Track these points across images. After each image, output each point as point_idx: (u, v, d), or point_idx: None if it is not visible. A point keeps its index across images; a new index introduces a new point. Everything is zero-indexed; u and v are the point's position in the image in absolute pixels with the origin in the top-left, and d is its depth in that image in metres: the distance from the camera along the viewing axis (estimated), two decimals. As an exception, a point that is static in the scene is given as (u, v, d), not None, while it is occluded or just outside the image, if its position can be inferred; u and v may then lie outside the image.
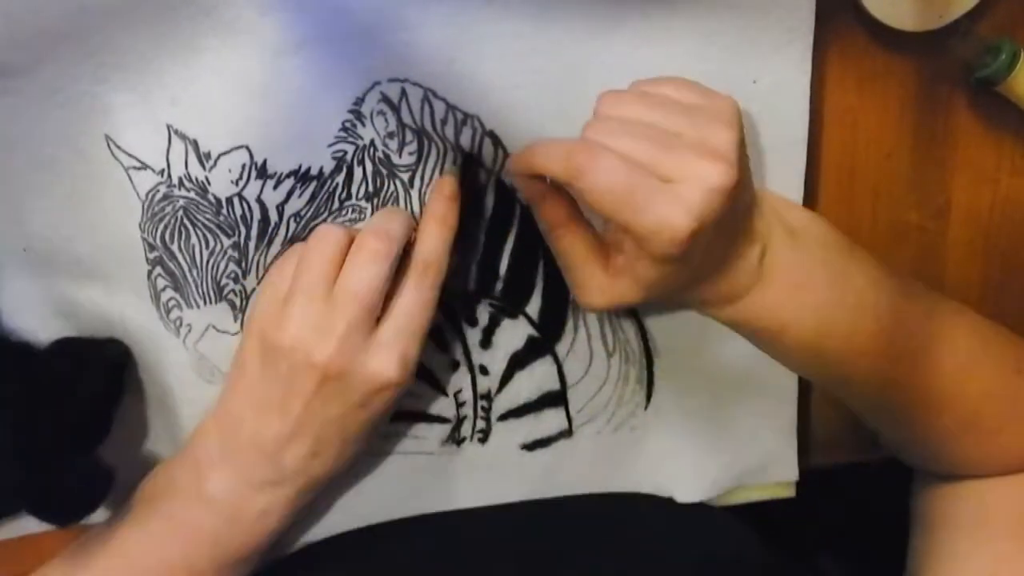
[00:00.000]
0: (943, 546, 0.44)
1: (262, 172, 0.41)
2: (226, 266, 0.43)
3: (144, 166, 0.42)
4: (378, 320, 0.40)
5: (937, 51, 0.46)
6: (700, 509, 0.50)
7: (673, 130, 0.36)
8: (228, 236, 0.42)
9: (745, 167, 0.38)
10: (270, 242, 0.42)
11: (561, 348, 0.47)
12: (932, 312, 0.43)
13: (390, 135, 0.42)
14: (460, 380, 0.47)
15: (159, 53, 0.40)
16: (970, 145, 0.48)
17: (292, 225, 0.42)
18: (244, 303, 0.44)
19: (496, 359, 0.47)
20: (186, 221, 0.42)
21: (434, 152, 0.43)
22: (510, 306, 0.46)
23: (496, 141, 0.43)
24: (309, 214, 0.42)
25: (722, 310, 0.40)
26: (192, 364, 0.45)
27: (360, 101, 0.42)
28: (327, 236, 0.40)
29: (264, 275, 0.43)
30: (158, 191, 0.42)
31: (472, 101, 0.42)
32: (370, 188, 0.43)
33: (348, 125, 0.42)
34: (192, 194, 0.42)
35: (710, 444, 0.50)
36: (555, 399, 0.48)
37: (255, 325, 0.41)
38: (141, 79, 0.40)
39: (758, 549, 0.47)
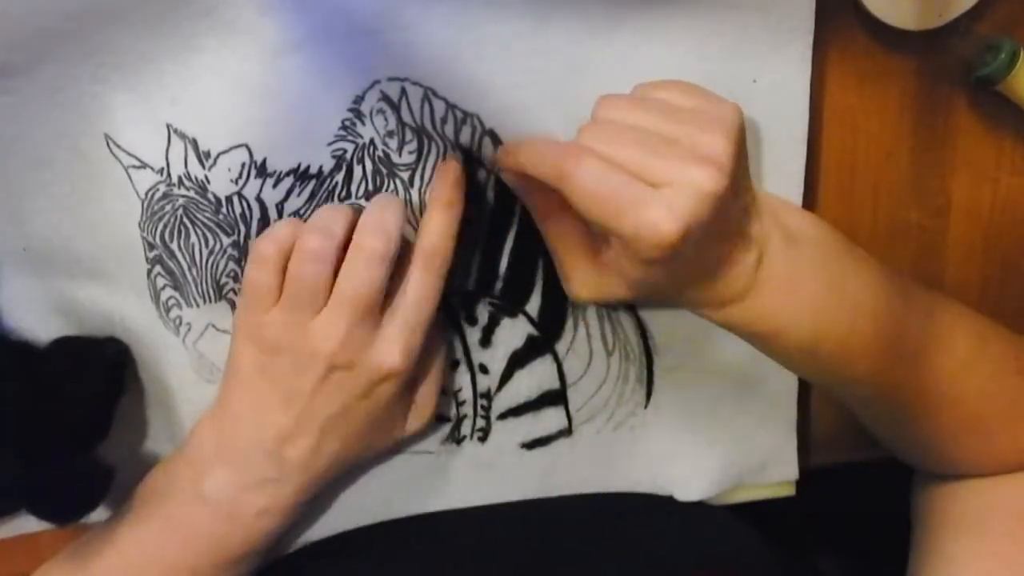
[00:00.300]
0: (944, 545, 0.44)
1: (261, 171, 0.41)
2: (226, 265, 0.43)
3: (144, 165, 0.42)
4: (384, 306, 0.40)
5: (937, 50, 0.46)
6: (700, 508, 0.50)
7: (668, 135, 0.37)
8: (228, 235, 0.42)
9: (740, 173, 0.38)
10: (270, 241, 0.43)
11: (561, 347, 0.47)
12: (931, 314, 0.43)
13: (390, 134, 0.42)
14: (460, 379, 0.47)
15: (159, 53, 0.40)
16: (970, 145, 0.48)
17: (292, 224, 0.42)
18: (244, 302, 0.44)
19: (496, 358, 0.47)
20: (185, 220, 0.42)
21: (434, 151, 0.43)
22: (510, 305, 0.46)
23: (496, 140, 0.43)
24: (308, 213, 0.42)
25: (716, 313, 0.40)
26: (192, 363, 0.45)
27: (360, 100, 0.42)
28: (318, 253, 0.38)
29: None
30: (158, 190, 0.42)
31: (472, 100, 0.42)
32: (370, 187, 0.43)
33: (348, 124, 0.42)
34: (192, 193, 0.42)
35: (710, 443, 0.50)
36: (555, 398, 0.48)
37: (245, 327, 0.41)
38: (141, 79, 0.40)
39: (758, 548, 0.47)
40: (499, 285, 0.46)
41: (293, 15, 0.39)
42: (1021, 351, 0.44)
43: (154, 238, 0.43)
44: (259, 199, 0.42)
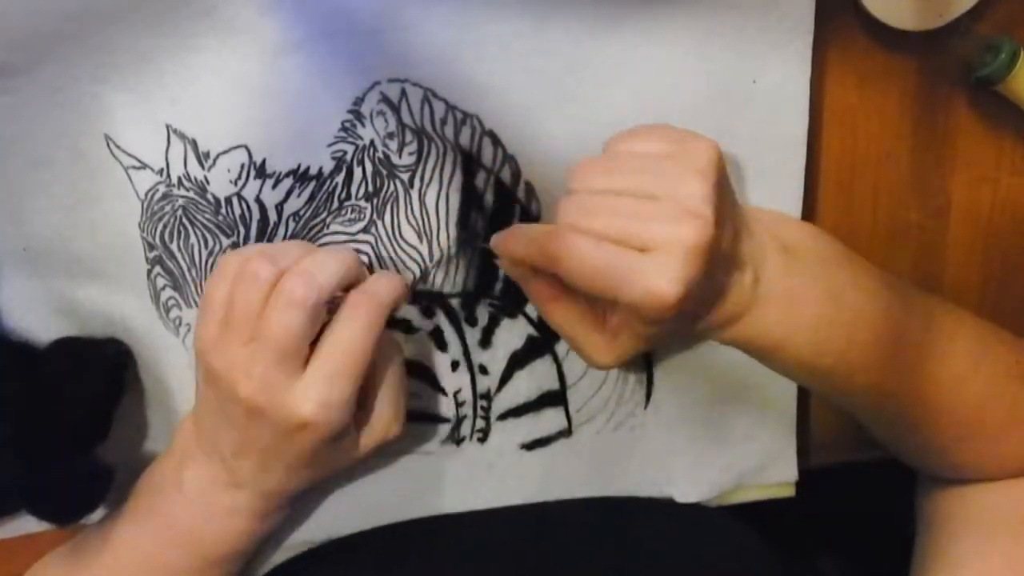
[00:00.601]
0: (948, 548, 0.44)
1: (261, 172, 0.41)
2: (225, 266, 0.43)
3: (143, 165, 0.42)
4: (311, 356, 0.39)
5: (937, 50, 0.46)
6: (700, 509, 0.50)
7: (648, 192, 0.36)
8: (227, 236, 0.42)
9: (725, 207, 0.37)
10: (269, 242, 0.42)
11: (561, 347, 0.47)
12: (931, 320, 0.43)
13: (390, 135, 0.42)
14: (459, 380, 0.47)
15: (158, 53, 0.40)
16: (970, 145, 0.48)
17: (291, 225, 0.43)
18: (244, 303, 0.44)
19: (496, 358, 0.47)
20: (185, 220, 0.42)
21: (434, 152, 0.43)
22: (509, 305, 0.46)
23: (495, 140, 0.43)
24: (308, 214, 0.43)
25: (715, 333, 0.40)
26: (192, 363, 0.45)
27: (360, 101, 0.42)
28: (254, 279, 0.38)
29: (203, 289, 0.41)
30: (157, 190, 0.42)
31: (472, 101, 0.42)
32: (370, 188, 0.43)
33: (348, 125, 0.42)
34: (191, 193, 0.42)
35: (710, 444, 0.50)
36: (554, 398, 0.48)
37: (197, 344, 0.39)
38: (140, 79, 0.40)
39: (758, 549, 0.47)
40: (499, 286, 0.46)
41: (293, 15, 0.39)
42: (1022, 355, 0.44)
43: (154, 239, 0.43)
44: (259, 200, 0.42)
